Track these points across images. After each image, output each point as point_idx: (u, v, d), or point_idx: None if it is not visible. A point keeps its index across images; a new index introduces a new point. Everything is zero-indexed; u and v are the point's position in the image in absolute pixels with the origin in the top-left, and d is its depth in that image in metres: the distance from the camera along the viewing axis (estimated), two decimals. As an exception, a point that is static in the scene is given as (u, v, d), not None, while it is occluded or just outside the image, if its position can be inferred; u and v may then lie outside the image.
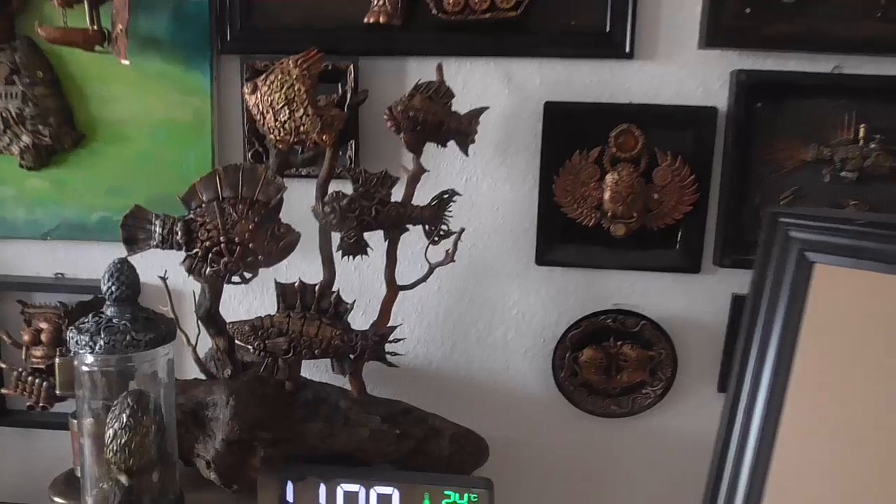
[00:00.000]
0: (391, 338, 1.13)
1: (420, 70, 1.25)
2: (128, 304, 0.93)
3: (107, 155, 1.33)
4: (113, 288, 0.92)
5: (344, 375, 1.14)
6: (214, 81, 1.29)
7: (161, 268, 1.17)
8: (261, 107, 1.08)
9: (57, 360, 1.11)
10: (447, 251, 1.14)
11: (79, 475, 1.08)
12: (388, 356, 1.14)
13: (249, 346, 1.11)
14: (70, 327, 0.93)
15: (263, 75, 1.08)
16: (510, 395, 1.34)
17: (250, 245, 1.07)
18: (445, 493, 1.03)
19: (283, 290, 1.11)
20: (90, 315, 0.93)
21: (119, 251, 1.33)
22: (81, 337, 0.90)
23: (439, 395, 1.32)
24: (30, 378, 1.34)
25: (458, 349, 1.34)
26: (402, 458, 1.13)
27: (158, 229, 1.08)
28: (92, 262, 1.39)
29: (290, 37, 1.25)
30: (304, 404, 1.15)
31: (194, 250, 1.07)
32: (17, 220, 1.36)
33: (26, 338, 1.35)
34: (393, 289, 1.16)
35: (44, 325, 1.36)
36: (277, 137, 1.09)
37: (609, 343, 1.29)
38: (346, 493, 1.00)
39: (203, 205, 1.08)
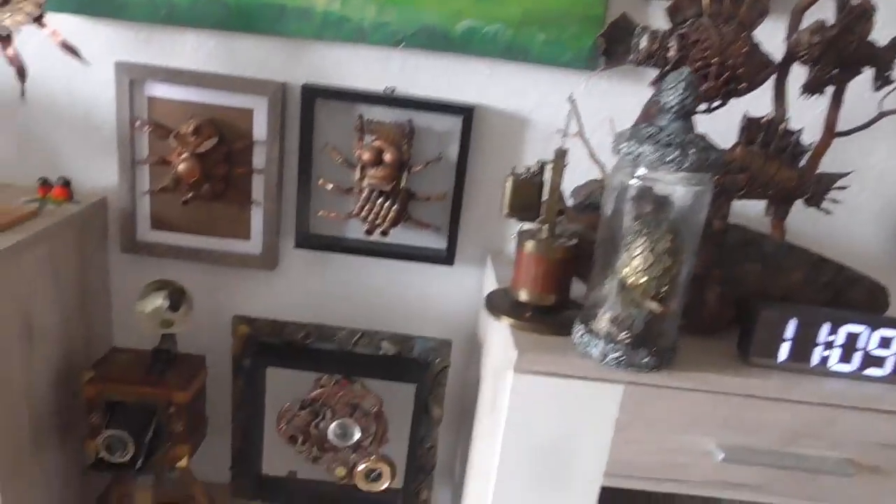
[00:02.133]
0: (838, 185, 1.15)
1: None
2: (689, 122, 0.90)
3: (483, -45, 1.22)
4: (688, 101, 0.88)
5: (779, 219, 1.16)
6: None
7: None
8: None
9: (510, 180, 1.06)
10: (908, 98, 1.14)
11: (519, 297, 1.07)
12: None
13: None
14: (624, 136, 0.90)
15: None
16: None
17: (739, 71, 1.04)
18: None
19: (750, 124, 1.09)
20: (648, 127, 0.90)
21: (476, 67, 1.28)
22: (659, 150, 0.87)
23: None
24: (379, 200, 1.27)
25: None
26: (823, 305, 1.17)
27: (645, 43, 1.03)
28: (443, 77, 1.30)
29: None
30: (733, 246, 1.16)
31: (679, 68, 1.03)
32: (363, 21, 1.25)
33: (366, 156, 1.28)
34: (830, 134, 1.16)
35: (380, 144, 1.28)
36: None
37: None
38: (850, 335, 1.03)
39: (691, 20, 1.03)
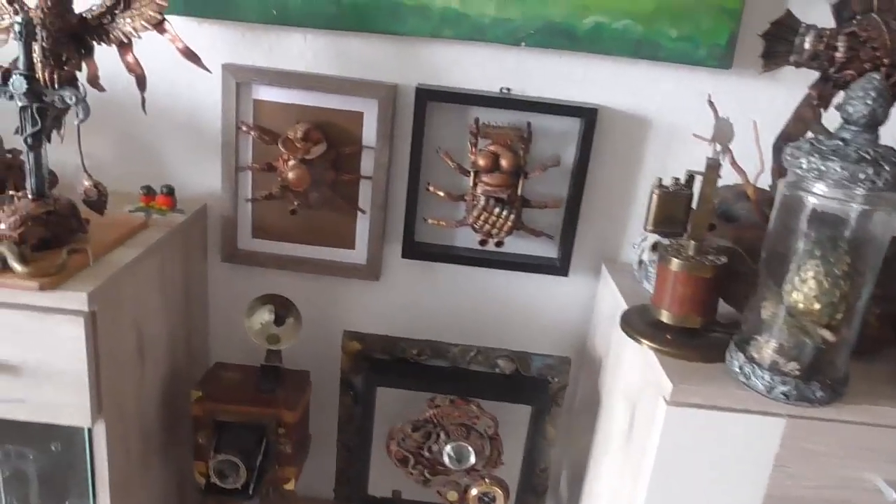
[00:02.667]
0: None
1: None
2: (876, 134, 0.84)
3: (614, -54, 1.16)
4: (879, 111, 0.82)
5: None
6: None
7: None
8: None
9: (656, 191, 1.00)
10: None
11: (660, 317, 1.02)
12: None
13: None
14: (803, 150, 0.83)
15: None
16: None
17: (912, 71, 0.96)
18: None
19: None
20: (829, 140, 0.83)
21: (600, 66, 1.23)
22: (849, 167, 0.80)
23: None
24: (496, 209, 1.23)
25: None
26: None
27: (808, 44, 0.96)
28: (563, 76, 1.25)
29: None
30: (890, 260, 1.08)
31: (845, 71, 0.97)
32: (483, 18, 1.20)
33: (482, 162, 1.23)
34: None
35: (496, 148, 1.24)
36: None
37: None
38: None
39: (858, 17, 0.96)
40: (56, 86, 0.95)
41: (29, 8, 0.97)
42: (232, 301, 1.39)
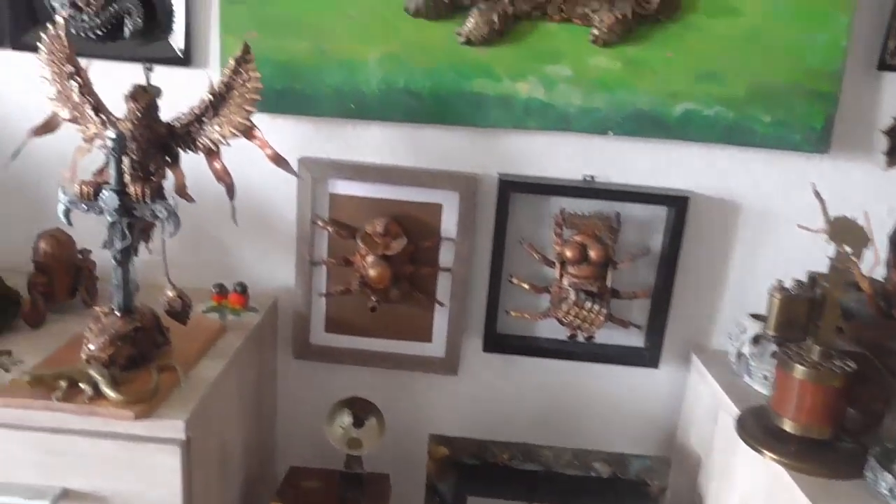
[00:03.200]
0: None
1: None
2: None
3: (704, 31, 1.13)
4: None
5: None
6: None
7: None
8: None
9: (777, 295, 0.95)
10: None
11: (783, 426, 0.95)
12: None
13: None
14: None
15: None
16: None
17: None
18: None
19: None
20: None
21: (688, 152, 1.19)
22: None
23: None
24: (587, 303, 1.18)
25: None
26: None
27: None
28: (650, 164, 1.21)
29: None
30: None
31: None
32: (568, 108, 1.16)
33: (570, 254, 1.18)
34: None
35: (582, 238, 1.19)
36: None
37: None
38: None
39: None
40: (147, 199, 0.90)
41: (118, 119, 0.94)
42: (304, 398, 1.33)
